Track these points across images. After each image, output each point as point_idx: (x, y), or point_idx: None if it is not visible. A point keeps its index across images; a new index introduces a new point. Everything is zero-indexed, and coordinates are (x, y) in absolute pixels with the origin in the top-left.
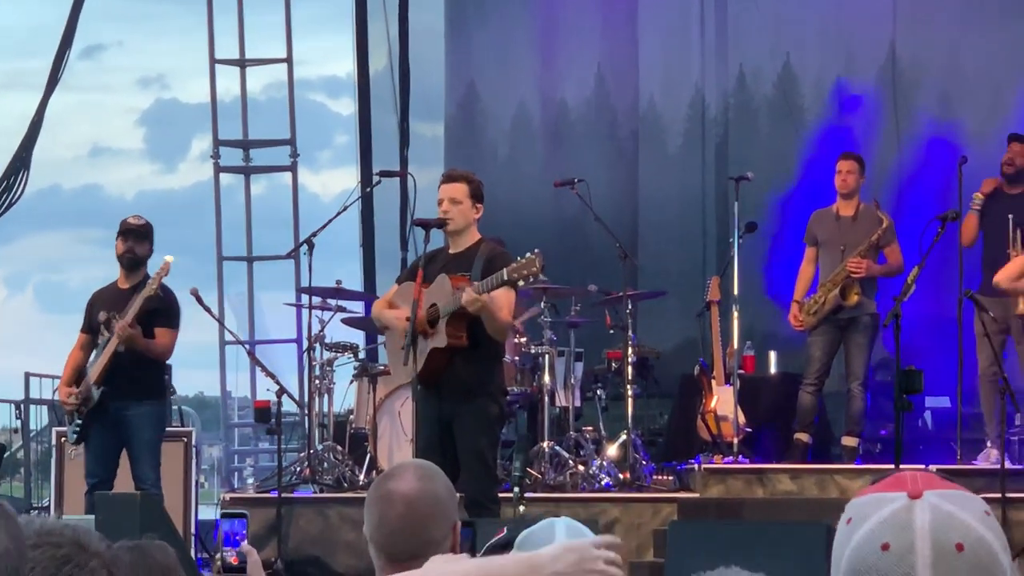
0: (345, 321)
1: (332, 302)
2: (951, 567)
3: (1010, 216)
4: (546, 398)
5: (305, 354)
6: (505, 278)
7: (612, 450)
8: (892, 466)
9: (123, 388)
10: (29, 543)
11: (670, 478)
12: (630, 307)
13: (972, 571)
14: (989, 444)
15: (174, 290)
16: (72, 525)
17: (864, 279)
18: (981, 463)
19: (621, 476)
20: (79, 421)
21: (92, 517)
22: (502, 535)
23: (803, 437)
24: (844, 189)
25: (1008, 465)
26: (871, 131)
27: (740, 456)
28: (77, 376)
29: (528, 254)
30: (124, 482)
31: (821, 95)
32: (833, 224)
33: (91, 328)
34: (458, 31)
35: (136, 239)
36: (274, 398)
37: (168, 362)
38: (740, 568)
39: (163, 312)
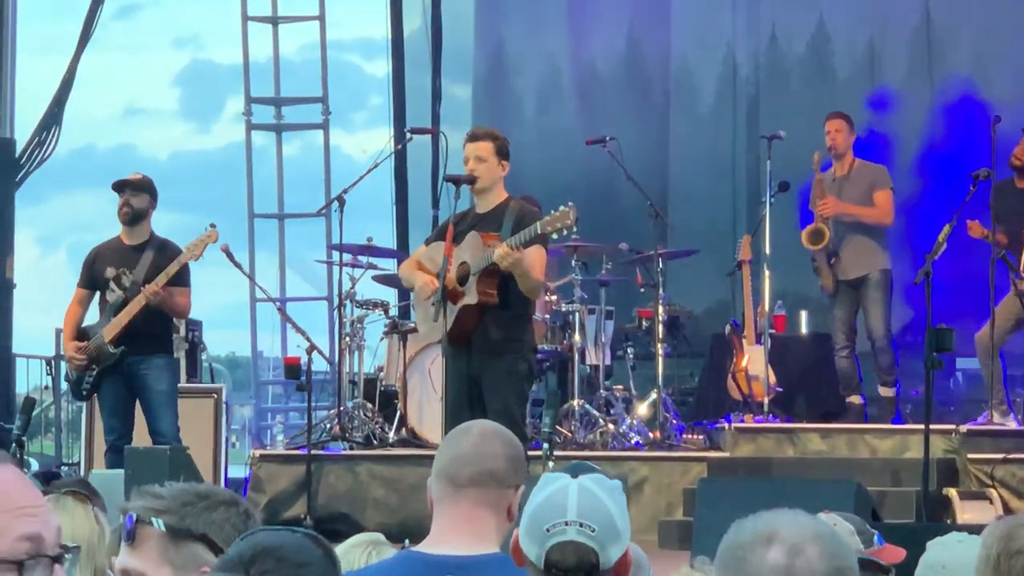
0: (376, 278)
1: (363, 259)
2: None
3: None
4: (576, 356)
5: (336, 311)
6: (539, 231)
7: (642, 409)
8: (922, 426)
9: (136, 343)
10: (202, 505)
11: (700, 437)
12: (661, 266)
13: None
14: (991, 407)
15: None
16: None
17: (872, 233)
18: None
19: (651, 435)
20: (90, 378)
21: (121, 472)
22: None
23: (855, 399)
24: (835, 148)
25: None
26: (905, 91)
27: (771, 415)
28: (78, 331)
29: (562, 207)
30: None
31: (854, 55)
32: (832, 186)
33: (93, 284)
34: None
35: (132, 191)
36: (304, 355)
37: (199, 319)
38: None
39: (179, 272)
